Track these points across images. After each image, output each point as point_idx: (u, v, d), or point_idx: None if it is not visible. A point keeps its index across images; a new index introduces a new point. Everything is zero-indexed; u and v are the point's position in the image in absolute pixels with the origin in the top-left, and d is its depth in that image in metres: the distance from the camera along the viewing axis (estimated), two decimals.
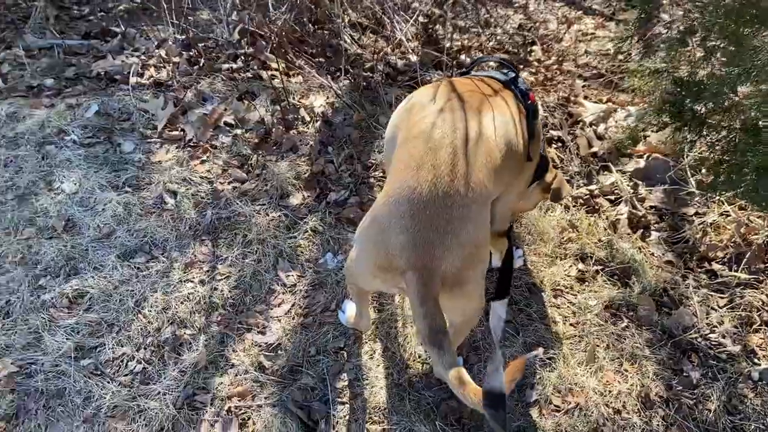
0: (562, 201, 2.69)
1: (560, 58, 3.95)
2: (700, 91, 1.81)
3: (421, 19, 4.07)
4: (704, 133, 2.02)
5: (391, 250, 1.61)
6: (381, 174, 2.91)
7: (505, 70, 2.25)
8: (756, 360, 2.34)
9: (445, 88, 1.93)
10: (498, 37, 4.13)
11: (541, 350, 1.72)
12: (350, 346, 2.34)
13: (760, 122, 1.83)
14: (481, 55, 3.86)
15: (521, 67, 3.88)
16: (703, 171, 2.75)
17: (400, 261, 1.59)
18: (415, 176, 1.63)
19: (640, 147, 2.99)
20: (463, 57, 3.86)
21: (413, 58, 3.75)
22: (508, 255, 2.10)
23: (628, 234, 2.70)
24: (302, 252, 2.61)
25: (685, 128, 2.08)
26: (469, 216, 1.62)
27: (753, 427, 2.15)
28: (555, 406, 2.20)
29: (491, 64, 2.44)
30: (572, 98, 3.45)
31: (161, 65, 3.42)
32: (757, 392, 2.24)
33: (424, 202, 1.59)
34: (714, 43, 1.67)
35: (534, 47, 4.11)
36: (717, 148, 2.04)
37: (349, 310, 2.35)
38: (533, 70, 3.86)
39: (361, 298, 2.17)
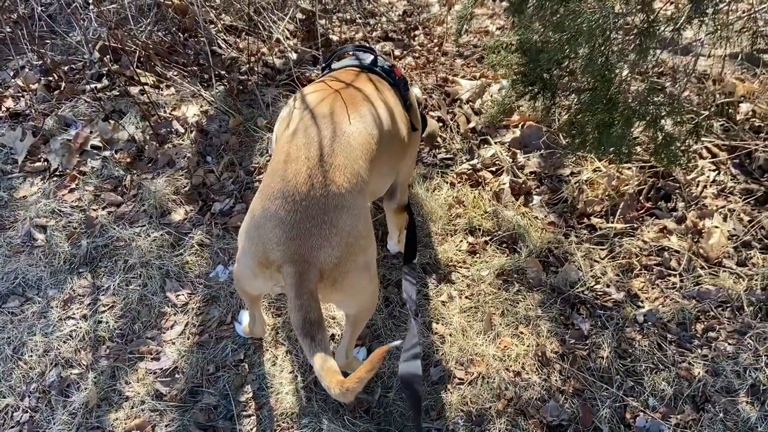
0: (437, 140, 2.81)
1: (440, 41, 4.02)
2: (539, 58, 1.88)
3: (299, 15, 4.03)
4: (556, 97, 2.11)
5: (267, 244, 1.59)
6: None
7: (365, 55, 2.25)
8: (639, 303, 2.47)
9: (298, 109, 1.89)
10: (383, 26, 4.15)
11: (399, 342, 1.78)
12: (251, 357, 2.29)
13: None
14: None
15: (405, 53, 3.92)
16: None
17: (276, 254, 1.57)
18: (288, 169, 1.62)
19: (515, 117, 3.09)
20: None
21: (293, 56, 3.70)
22: (411, 223, 2.22)
23: (512, 202, 2.79)
24: (191, 268, 2.52)
25: (540, 95, 2.16)
26: (344, 205, 1.62)
27: (644, 367, 2.27)
28: (459, 379, 2.24)
29: (358, 54, 2.43)
30: (450, 78, 3.52)
31: (19, 95, 3.20)
32: (643, 334, 2.37)
33: (298, 194, 1.58)
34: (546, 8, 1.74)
35: (416, 32, 4.17)
36: (571, 110, 2.14)
37: (245, 320, 2.30)
38: (417, 55, 3.91)
39: (252, 302, 2.13)
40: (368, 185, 1.79)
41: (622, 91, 1.75)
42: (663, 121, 1.94)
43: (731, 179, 2.78)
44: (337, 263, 1.60)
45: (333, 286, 1.64)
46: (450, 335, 2.35)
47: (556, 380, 2.23)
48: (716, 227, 2.60)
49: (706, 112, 2.50)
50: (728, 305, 2.42)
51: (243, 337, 2.32)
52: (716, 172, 2.80)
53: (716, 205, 2.69)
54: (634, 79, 2.03)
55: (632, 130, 1.84)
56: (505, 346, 2.32)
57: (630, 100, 1.77)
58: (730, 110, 2.94)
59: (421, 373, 1.83)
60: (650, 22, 1.64)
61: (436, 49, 3.97)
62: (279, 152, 1.73)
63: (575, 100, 2.05)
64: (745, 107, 2.97)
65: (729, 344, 2.32)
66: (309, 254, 1.56)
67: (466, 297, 2.48)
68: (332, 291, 1.66)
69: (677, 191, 2.76)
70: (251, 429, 2.11)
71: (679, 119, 2.04)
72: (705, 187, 2.77)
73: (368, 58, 2.21)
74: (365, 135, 1.80)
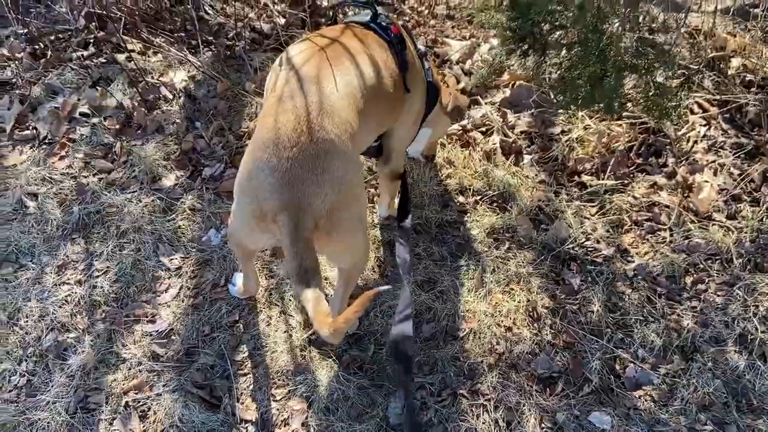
0: (464, 117, 2.72)
1: (431, 3, 3.97)
2: (528, 12, 1.86)
3: None
4: (546, 54, 2.09)
5: (261, 194, 1.60)
6: None
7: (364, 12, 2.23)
8: (629, 258, 2.50)
9: (284, 65, 1.89)
10: None
11: (388, 287, 1.82)
12: (245, 318, 2.32)
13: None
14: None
15: (395, 16, 3.87)
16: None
17: (271, 203, 1.58)
18: (277, 119, 1.62)
19: (505, 77, 3.07)
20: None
21: (281, 20, 3.66)
22: (404, 185, 2.28)
23: (503, 161, 2.79)
24: (183, 233, 2.53)
25: (530, 51, 2.15)
26: (335, 151, 1.63)
27: (633, 319, 2.30)
28: (450, 335, 2.27)
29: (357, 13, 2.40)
30: (439, 39, 3.49)
31: (5, 64, 3.17)
32: (633, 287, 2.40)
33: (289, 141, 1.58)
34: None
35: None
36: (562, 66, 2.13)
37: (239, 281, 2.32)
38: (407, 18, 3.87)
39: (246, 259, 2.15)
40: (357, 135, 1.80)
41: (614, 41, 1.73)
42: (655, 73, 1.92)
43: (722, 134, 2.78)
44: (331, 210, 1.61)
45: (328, 235, 1.66)
46: (441, 293, 2.38)
47: (546, 334, 2.26)
48: (706, 182, 2.61)
49: (697, 67, 2.48)
50: (717, 258, 2.44)
51: (237, 298, 2.34)
52: (707, 126, 2.80)
53: (706, 160, 2.70)
54: (625, 33, 2.01)
55: (624, 81, 1.83)
56: (497, 303, 2.35)
57: (622, 51, 1.76)
58: (721, 65, 2.92)
59: (412, 335, 1.86)
60: None
61: (426, 12, 3.93)
62: (267, 106, 1.74)
63: (566, 55, 2.03)
64: (736, 62, 2.96)
65: (718, 296, 2.35)
66: (303, 201, 1.57)
67: (457, 255, 2.50)
68: (328, 241, 1.68)
69: (668, 147, 2.76)
70: (248, 387, 2.15)
71: (670, 72, 2.03)
72: (695, 142, 2.77)
73: (366, 16, 2.19)
74: (350, 87, 1.81)
